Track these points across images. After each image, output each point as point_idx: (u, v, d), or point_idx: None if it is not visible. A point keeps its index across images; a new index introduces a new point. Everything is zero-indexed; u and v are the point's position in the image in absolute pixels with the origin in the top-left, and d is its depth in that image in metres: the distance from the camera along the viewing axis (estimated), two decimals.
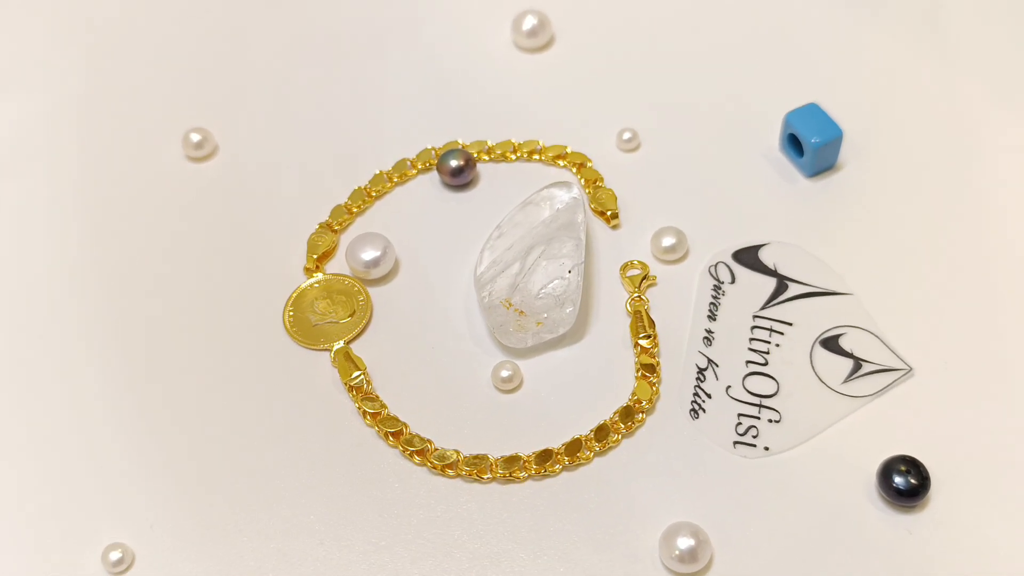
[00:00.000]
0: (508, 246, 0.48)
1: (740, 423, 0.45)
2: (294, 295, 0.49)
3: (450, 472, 0.44)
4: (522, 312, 0.46)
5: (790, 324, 0.47)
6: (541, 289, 0.46)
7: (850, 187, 0.52)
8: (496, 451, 0.44)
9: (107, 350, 0.48)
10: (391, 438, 0.45)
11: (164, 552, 0.42)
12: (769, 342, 0.47)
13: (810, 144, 0.50)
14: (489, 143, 0.54)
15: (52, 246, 0.51)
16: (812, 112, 0.51)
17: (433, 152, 0.53)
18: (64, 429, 0.45)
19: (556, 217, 0.48)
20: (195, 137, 0.53)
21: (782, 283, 0.49)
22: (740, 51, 0.57)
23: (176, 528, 0.43)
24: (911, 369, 0.46)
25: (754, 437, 0.44)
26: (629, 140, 0.53)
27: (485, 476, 0.43)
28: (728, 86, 0.55)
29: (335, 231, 0.51)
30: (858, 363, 0.46)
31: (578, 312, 0.47)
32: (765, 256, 0.49)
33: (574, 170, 0.53)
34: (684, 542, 0.41)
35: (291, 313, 0.48)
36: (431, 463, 0.44)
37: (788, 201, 0.51)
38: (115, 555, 0.42)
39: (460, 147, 0.53)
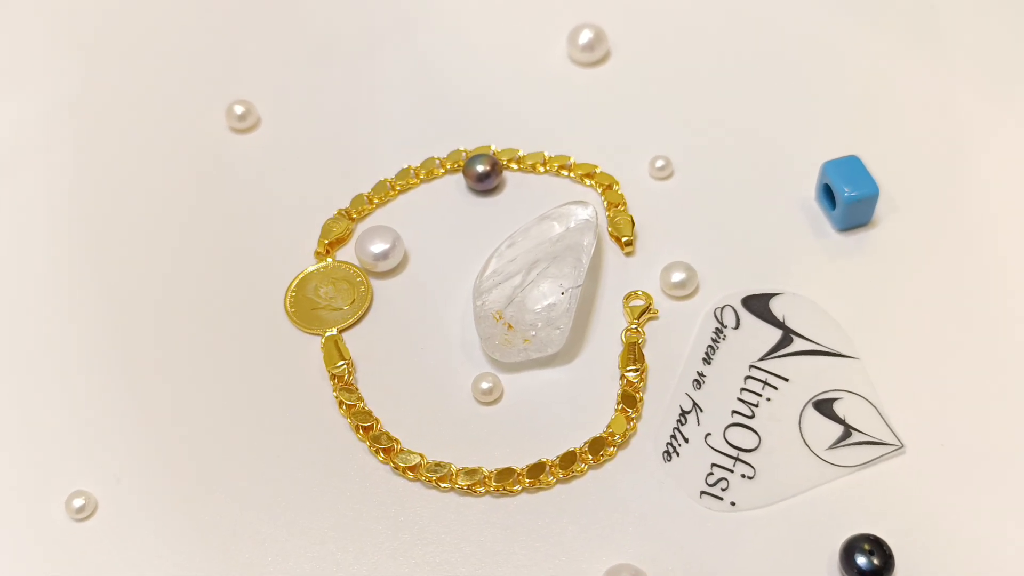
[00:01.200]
0: (514, 257, 0.48)
1: (712, 473, 0.43)
2: (299, 277, 0.49)
3: (410, 475, 0.44)
4: (511, 327, 0.45)
5: (786, 380, 0.46)
6: (535, 306, 0.46)
7: (881, 247, 0.49)
8: (462, 461, 0.44)
9: (99, 311, 0.49)
10: (361, 431, 0.45)
11: (126, 507, 0.44)
12: (760, 395, 0.45)
13: (843, 197, 0.49)
14: (521, 152, 0.53)
15: (67, 204, 0.53)
16: (851, 164, 0.49)
17: (464, 154, 0.53)
18: (45, 382, 0.47)
19: (565, 236, 0.48)
20: (239, 109, 0.55)
21: (787, 336, 0.47)
22: (794, 92, 0.55)
23: (142, 485, 0.44)
24: (903, 446, 0.44)
25: (723, 490, 0.43)
26: (662, 168, 0.52)
27: (444, 485, 0.43)
28: (775, 126, 0.54)
29: (352, 219, 0.51)
30: (848, 431, 0.44)
31: (569, 335, 0.46)
32: (775, 306, 0.48)
33: (600, 191, 0.52)
34: None
35: (293, 295, 0.49)
36: (394, 463, 0.44)
37: (813, 253, 0.49)
38: (78, 502, 0.43)
39: (491, 153, 0.53)
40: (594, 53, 0.57)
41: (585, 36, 0.57)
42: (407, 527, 0.43)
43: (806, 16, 0.58)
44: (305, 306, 0.49)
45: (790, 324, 0.47)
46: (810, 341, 0.47)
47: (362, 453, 0.45)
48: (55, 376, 0.47)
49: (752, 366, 0.46)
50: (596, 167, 0.52)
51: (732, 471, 0.43)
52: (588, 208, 0.49)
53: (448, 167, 0.53)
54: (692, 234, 0.50)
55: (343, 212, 0.51)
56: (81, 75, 0.58)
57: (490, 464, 0.44)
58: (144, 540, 0.43)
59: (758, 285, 0.48)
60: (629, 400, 0.45)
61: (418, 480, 0.44)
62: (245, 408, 0.46)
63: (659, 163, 0.52)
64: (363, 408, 0.45)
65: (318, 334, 0.48)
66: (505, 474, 0.43)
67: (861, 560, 0.40)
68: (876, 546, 0.40)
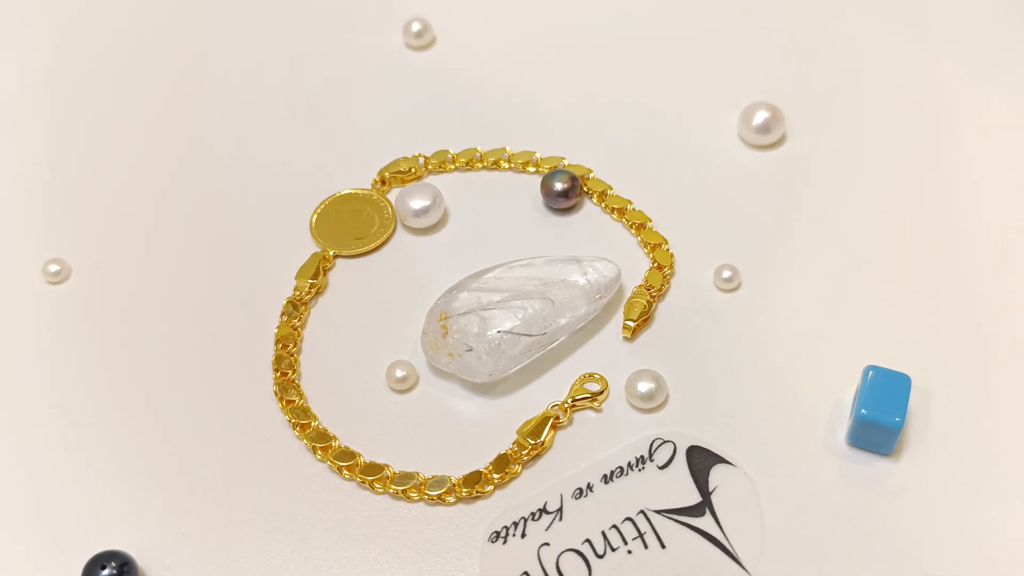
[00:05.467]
0: (514, 277, 0.45)
1: None
2: (340, 194, 0.50)
3: (282, 404, 0.44)
4: (446, 333, 0.43)
5: (663, 547, 0.40)
6: (486, 330, 0.43)
7: (879, 487, 0.41)
8: (333, 424, 0.44)
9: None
10: (279, 347, 0.46)
11: (94, 285, 0.48)
12: (626, 544, 0.40)
13: (858, 413, 0.41)
14: (612, 192, 0.50)
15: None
16: (897, 383, 0.41)
17: (561, 164, 0.51)
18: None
19: (560, 285, 0.45)
20: (416, 26, 0.56)
21: (701, 507, 0.41)
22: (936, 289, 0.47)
23: (114, 274, 0.49)
24: None
25: None
26: (727, 279, 0.47)
27: (297, 431, 0.43)
28: (884, 313, 0.46)
29: (427, 169, 0.51)
30: None
31: (499, 375, 0.44)
32: (717, 473, 0.42)
33: (652, 266, 0.48)
34: None
35: (324, 207, 0.50)
36: (278, 389, 0.44)
37: (801, 449, 0.42)
38: (54, 267, 0.49)
39: (585, 176, 0.50)
40: (769, 136, 0.51)
41: (760, 116, 0.51)
42: (247, 449, 0.43)
43: None
44: (329, 221, 0.50)
45: (715, 499, 0.41)
46: (719, 528, 0.41)
47: (266, 366, 0.46)
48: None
49: (643, 512, 0.41)
50: (665, 242, 0.48)
51: None
52: (607, 272, 0.45)
53: (542, 168, 0.51)
54: (705, 359, 0.45)
55: (421, 157, 0.51)
56: (58, 41, 0.58)
57: (351, 440, 0.43)
58: (105, 314, 0.47)
59: (721, 444, 0.43)
60: (502, 464, 0.42)
61: (290, 418, 0.44)
62: (223, 269, 0.49)
63: (726, 273, 0.47)
64: (295, 330, 0.46)
65: (320, 247, 0.49)
66: (346, 455, 0.43)
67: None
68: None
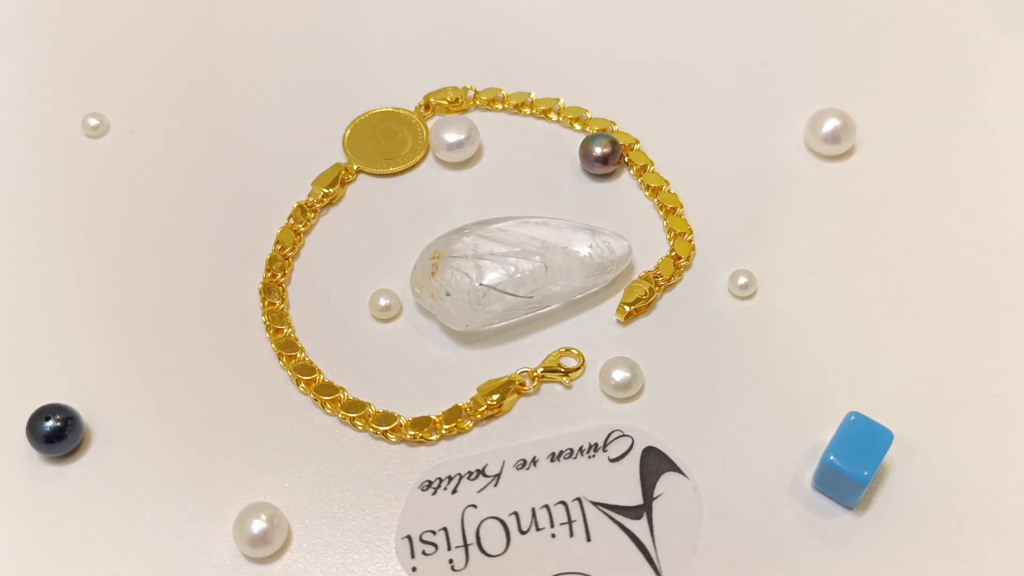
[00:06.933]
0: (521, 232, 0.44)
1: (435, 532, 0.39)
2: (381, 111, 0.49)
3: (264, 303, 0.44)
4: (434, 272, 0.42)
5: (589, 540, 0.39)
6: (476, 278, 0.42)
7: (833, 539, 0.39)
8: (312, 347, 0.43)
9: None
10: (275, 248, 0.46)
11: (135, 145, 0.49)
12: (553, 526, 0.39)
13: (827, 457, 0.38)
14: (653, 168, 0.48)
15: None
16: (876, 437, 0.38)
17: (610, 129, 0.49)
18: None
19: (562, 252, 0.43)
20: None
21: (641, 510, 0.39)
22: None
23: (152, 137, 0.49)
24: None
25: (423, 553, 0.39)
26: (742, 286, 0.44)
27: (277, 349, 0.43)
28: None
29: (475, 103, 0.50)
30: None
31: (476, 327, 0.43)
32: (668, 480, 0.40)
33: (671, 254, 0.45)
34: (257, 525, 0.39)
35: (361, 121, 0.49)
36: (264, 290, 0.44)
37: (769, 483, 0.40)
38: (93, 121, 0.49)
39: (629, 147, 0.48)
40: (838, 146, 0.48)
41: (830, 124, 0.48)
42: (217, 340, 0.44)
43: None
44: (362, 136, 0.49)
45: (656, 506, 0.40)
46: (651, 536, 0.39)
47: (261, 263, 0.46)
48: None
49: (579, 499, 0.40)
50: (690, 232, 0.46)
51: (450, 549, 0.39)
52: (617, 249, 0.43)
53: (589, 127, 0.49)
54: (694, 362, 0.43)
55: (471, 90, 0.50)
56: None
57: (318, 356, 0.43)
58: (127, 178, 0.48)
59: (681, 452, 0.41)
60: (453, 415, 0.41)
61: (263, 314, 0.44)
62: (251, 162, 0.49)
63: (742, 279, 0.44)
64: (297, 235, 0.46)
65: (348, 159, 0.48)
66: (307, 369, 0.42)
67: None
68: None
